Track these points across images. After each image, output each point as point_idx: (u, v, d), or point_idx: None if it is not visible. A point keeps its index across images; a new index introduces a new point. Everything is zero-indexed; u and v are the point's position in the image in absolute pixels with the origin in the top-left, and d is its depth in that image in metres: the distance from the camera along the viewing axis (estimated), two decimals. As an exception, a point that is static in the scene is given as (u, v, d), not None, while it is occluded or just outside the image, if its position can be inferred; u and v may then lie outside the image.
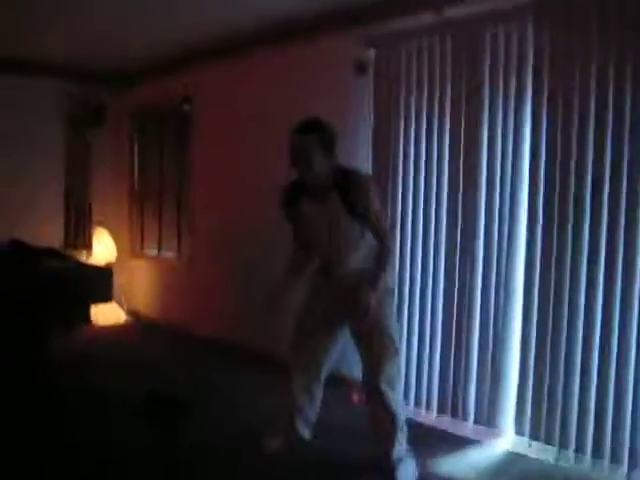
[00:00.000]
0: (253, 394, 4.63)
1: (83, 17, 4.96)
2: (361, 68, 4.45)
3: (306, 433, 3.66)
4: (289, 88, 5.14)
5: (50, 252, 4.80)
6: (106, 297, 4.54)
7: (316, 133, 3.24)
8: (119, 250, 7.07)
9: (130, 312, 7.08)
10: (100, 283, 4.43)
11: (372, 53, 4.40)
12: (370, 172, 4.38)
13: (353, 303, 3.26)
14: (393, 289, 3.62)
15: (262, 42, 5.27)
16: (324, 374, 3.63)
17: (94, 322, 6.54)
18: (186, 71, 6.24)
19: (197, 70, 6.11)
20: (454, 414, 3.97)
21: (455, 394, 3.96)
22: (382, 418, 3.41)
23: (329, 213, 3.29)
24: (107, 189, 7.23)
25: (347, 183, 3.24)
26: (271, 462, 3.54)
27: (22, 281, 3.90)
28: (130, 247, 7.24)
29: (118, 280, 6.82)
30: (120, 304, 6.93)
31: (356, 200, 3.22)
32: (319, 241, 3.44)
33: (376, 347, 3.40)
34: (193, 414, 4.09)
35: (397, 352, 3.45)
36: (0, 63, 6.26)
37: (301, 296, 3.62)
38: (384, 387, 3.37)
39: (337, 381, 4.27)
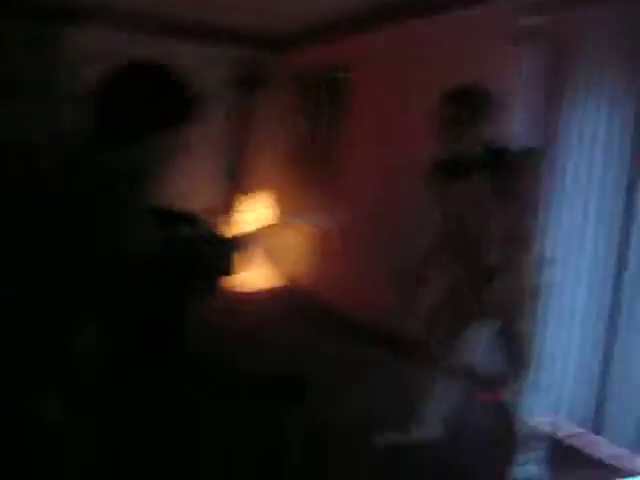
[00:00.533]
0: (383, 380, 4.42)
1: None
2: (528, 36, 4.00)
3: (428, 431, 3.42)
4: (449, 57, 4.76)
5: (187, 217, 4.81)
6: (228, 271, 4.47)
7: (466, 99, 2.93)
8: (274, 213, 7.11)
9: (278, 279, 7.10)
10: (226, 256, 4.37)
11: (540, 20, 3.92)
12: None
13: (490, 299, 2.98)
14: (540, 291, 3.12)
15: (421, 9, 4.99)
16: (454, 371, 3.36)
17: (244, 283, 6.68)
18: (346, 38, 6.07)
19: (357, 38, 5.91)
20: (596, 431, 3.51)
21: (600, 409, 3.50)
22: (506, 430, 3.09)
23: (473, 193, 2.97)
24: (265, 153, 7.27)
25: (500, 161, 2.88)
26: (383, 455, 3.36)
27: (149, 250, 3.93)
28: (284, 211, 7.24)
29: (272, 244, 6.93)
30: (273, 268, 6.96)
31: (509, 182, 2.86)
32: (458, 222, 3.13)
33: (512, 353, 3.08)
34: (309, 395, 3.93)
35: (531, 362, 3.06)
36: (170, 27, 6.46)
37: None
38: (512, 398, 3.04)
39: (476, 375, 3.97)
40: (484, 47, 4.41)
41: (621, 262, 3.45)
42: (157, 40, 6.37)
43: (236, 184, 7.18)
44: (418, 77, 5.08)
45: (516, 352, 3.06)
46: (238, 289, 6.65)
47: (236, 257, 4.40)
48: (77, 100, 2.03)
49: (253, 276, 6.80)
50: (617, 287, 3.47)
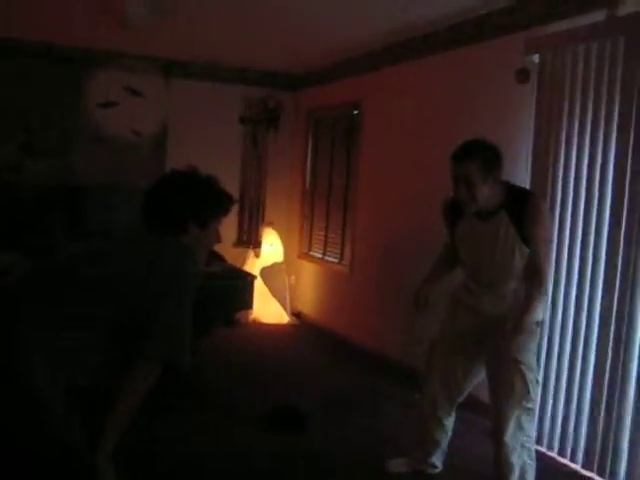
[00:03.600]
0: (389, 409, 4.51)
1: (262, 22, 5.11)
2: (523, 76, 4.04)
3: (434, 461, 3.47)
4: (450, 96, 4.88)
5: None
6: (245, 305, 4.55)
7: (475, 159, 2.96)
8: (287, 250, 7.17)
9: (294, 312, 7.15)
10: (241, 291, 4.45)
11: (535, 59, 3.96)
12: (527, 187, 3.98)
13: (495, 330, 3.07)
14: (540, 322, 3.19)
15: (424, 49, 5.14)
16: (455, 403, 3.39)
17: (256, 319, 6.77)
18: (357, 75, 6.20)
19: (367, 75, 6.03)
20: (601, 473, 3.46)
21: (604, 450, 3.45)
22: (501, 468, 3.09)
23: (493, 232, 3.04)
24: (280, 190, 7.40)
25: (518, 203, 2.98)
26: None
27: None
28: (298, 248, 7.32)
29: (284, 280, 6.99)
30: (284, 304, 7.02)
31: (527, 222, 2.95)
32: (474, 259, 3.22)
33: (507, 387, 3.08)
34: (313, 425, 4.06)
35: (529, 398, 3.07)
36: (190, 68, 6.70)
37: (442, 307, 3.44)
38: (508, 438, 3.05)
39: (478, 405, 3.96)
40: (485, 86, 4.47)
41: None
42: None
43: (251, 220, 7.26)
44: (425, 113, 5.16)
45: (509, 385, 3.06)
46: (252, 321, 6.75)
47: (251, 291, 4.50)
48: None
49: (266, 310, 6.86)
50: (623, 322, 3.41)
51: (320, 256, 6.97)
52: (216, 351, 5.17)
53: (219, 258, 5.28)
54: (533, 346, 3.13)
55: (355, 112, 6.27)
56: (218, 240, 2.46)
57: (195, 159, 7.37)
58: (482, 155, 2.98)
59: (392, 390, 4.89)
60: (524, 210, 2.95)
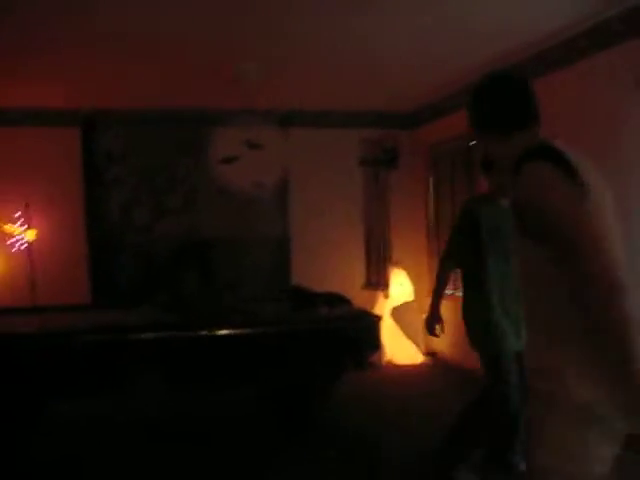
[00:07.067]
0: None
1: (368, 66, 5.24)
2: (641, 82, 3.80)
3: None
4: (568, 110, 4.64)
5: (328, 297, 4.93)
6: (373, 347, 4.47)
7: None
8: (417, 288, 7.04)
9: (429, 352, 6.98)
10: (366, 333, 4.39)
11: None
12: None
13: None
14: None
15: (537, 69, 4.92)
16: None
17: (389, 361, 6.67)
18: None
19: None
20: None
21: None
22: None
23: None
24: (405, 228, 7.32)
25: None
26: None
27: (289, 327, 4.10)
28: (427, 286, 7.15)
29: (416, 319, 6.86)
30: (417, 343, 6.87)
31: None
32: None
33: None
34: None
35: None
36: (306, 117, 6.85)
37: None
38: None
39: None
40: (599, 97, 4.24)
41: None
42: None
43: (378, 261, 7.21)
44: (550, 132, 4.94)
45: None
46: (387, 363, 6.66)
47: (378, 332, 4.44)
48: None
49: (401, 351, 6.75)
50: None
51: (450, 292, 6.77)
52: (352, 395, 5.12)
53: (343, 301, 5.25)
54: None
55: (472, 143, 6.13)
56: None
57: (318, 204, 7.52)
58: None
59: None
60: None
